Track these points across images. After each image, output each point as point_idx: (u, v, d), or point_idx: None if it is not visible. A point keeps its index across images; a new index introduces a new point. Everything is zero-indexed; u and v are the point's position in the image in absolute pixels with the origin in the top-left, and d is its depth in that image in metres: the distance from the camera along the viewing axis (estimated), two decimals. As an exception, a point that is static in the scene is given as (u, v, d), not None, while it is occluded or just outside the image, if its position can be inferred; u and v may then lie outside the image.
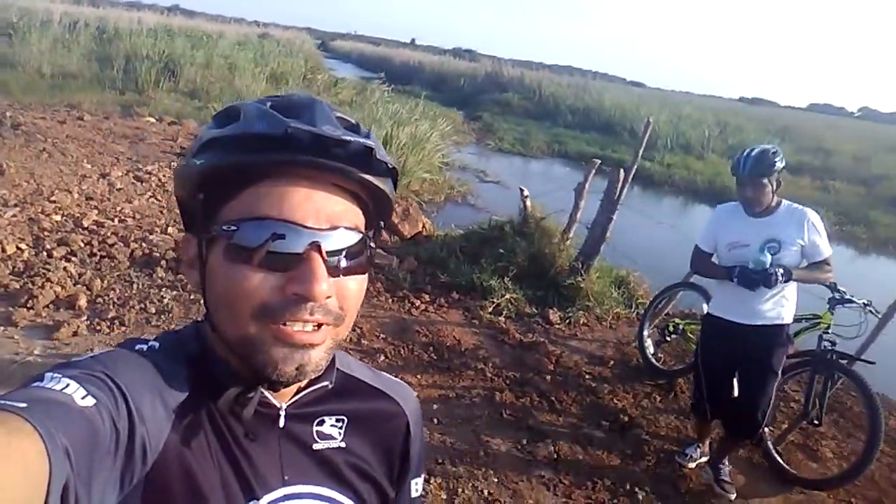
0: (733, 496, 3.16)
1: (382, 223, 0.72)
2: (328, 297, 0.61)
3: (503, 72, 26.33)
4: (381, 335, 4.36)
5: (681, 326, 4.60)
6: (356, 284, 0.65)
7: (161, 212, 6.00)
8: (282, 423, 0.69)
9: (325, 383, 0.72)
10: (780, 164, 2.90)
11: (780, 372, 3.04)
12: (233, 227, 0.60)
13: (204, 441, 0.62)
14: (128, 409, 0.55)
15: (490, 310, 4.98)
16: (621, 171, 5.32)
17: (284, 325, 0.60)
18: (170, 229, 5.45)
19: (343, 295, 0.63)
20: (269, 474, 0.66)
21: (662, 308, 4.93)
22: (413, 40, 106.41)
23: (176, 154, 8.08)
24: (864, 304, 3.53)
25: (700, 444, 3.42)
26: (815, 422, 3.50)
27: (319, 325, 0.61)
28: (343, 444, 0.73)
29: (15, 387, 0.52)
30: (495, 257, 5.61)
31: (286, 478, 0.67)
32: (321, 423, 0.73)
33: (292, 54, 17.09)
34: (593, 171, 5.77)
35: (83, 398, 0.51)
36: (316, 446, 0.71)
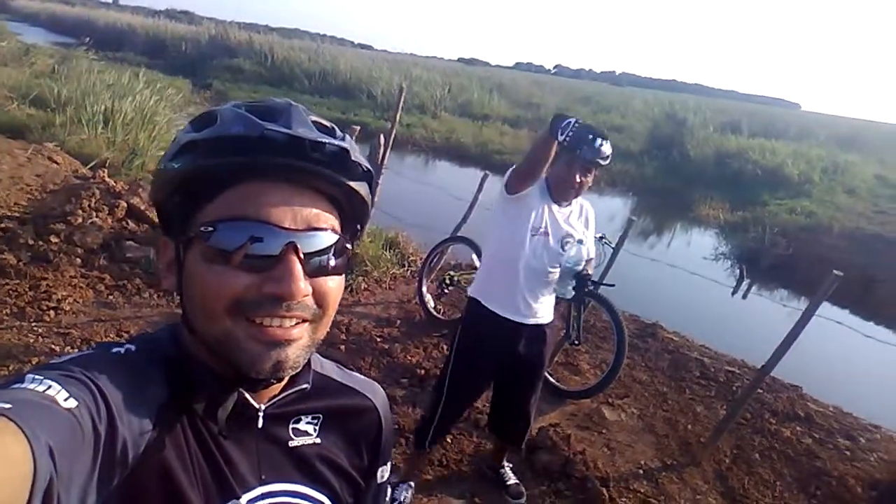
0: (523, 499, 2.95)
1: (360, 227, 0.72)
2: (304, 296, 0.62)
3: (230, 35, 24.60)
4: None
5: (455, 278, 4.98)
6: (334, 284, 0.66)
7: None
8: (260, 423, 0.69)
9: (304, 386, 0.72)
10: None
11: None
12: (210, 229, 0.60)
13: (183, 443, 0.62)
14: (108, 412, 0.54)
15: (269, 290, 4.79)
16: (382, 136, 5.45)
17: (262, 323, 0.60)
18: None
19: (321, 293, 0.64)
20: (247, 474, 0.67)
21: (436, 263, 5.26)
22: (116, 0, 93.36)
23: None
24: (600, 237, 4.19)
25: (411, 484, 2.87)
26: (576, 342, 4.10)
27: (297, 322, 0.62)
28: (318, 440, 0.75)
29: None
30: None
31: (263, 477, 0.68)
32: (297, 420, 0.74)
33: (-43, 15, 13.80)
34: (353, 137, 5.80)
35: (65, 399, 0.50)
36: (292, 443, 0.72)
